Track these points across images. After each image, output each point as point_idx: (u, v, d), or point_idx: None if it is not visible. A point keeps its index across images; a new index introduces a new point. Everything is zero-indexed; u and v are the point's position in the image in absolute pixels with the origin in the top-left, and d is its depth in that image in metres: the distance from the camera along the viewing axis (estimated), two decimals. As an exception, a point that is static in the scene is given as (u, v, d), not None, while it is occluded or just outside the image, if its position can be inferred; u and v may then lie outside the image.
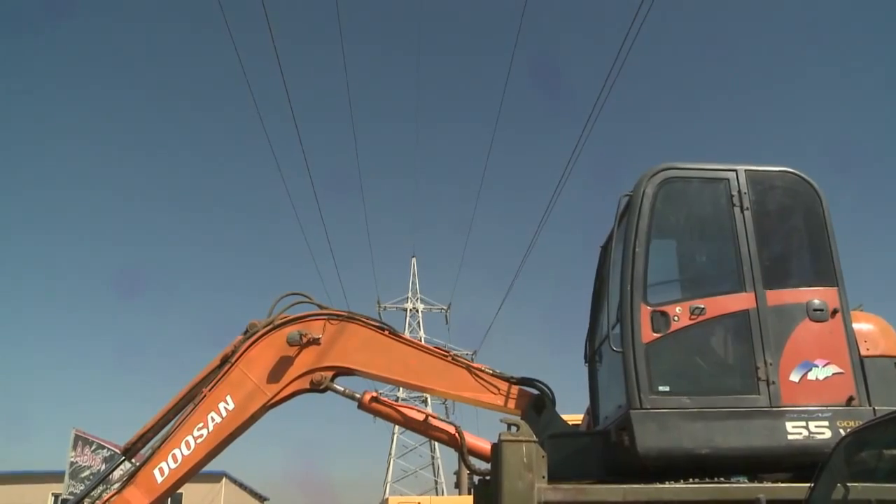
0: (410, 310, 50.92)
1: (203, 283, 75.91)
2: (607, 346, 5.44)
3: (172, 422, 5.70)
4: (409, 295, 51.72)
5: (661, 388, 4.95)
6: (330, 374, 5.81)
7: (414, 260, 53.47)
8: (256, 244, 75.40)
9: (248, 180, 75.60)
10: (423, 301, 51.80)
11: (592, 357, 6.21)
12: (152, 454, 5.50)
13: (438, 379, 5.80)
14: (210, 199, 73.50)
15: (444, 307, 50.43)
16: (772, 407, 4.95)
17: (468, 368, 5.85)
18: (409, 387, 6.09)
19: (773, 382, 4.98)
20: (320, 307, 6.10)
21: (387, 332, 5.93)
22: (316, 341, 5.84)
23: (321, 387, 5.78)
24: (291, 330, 5.82)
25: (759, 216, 5.41)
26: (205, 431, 5.52)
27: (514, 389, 5.87)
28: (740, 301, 5.14)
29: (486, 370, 5.91)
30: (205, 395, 5.65)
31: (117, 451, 6.55)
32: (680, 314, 5.07)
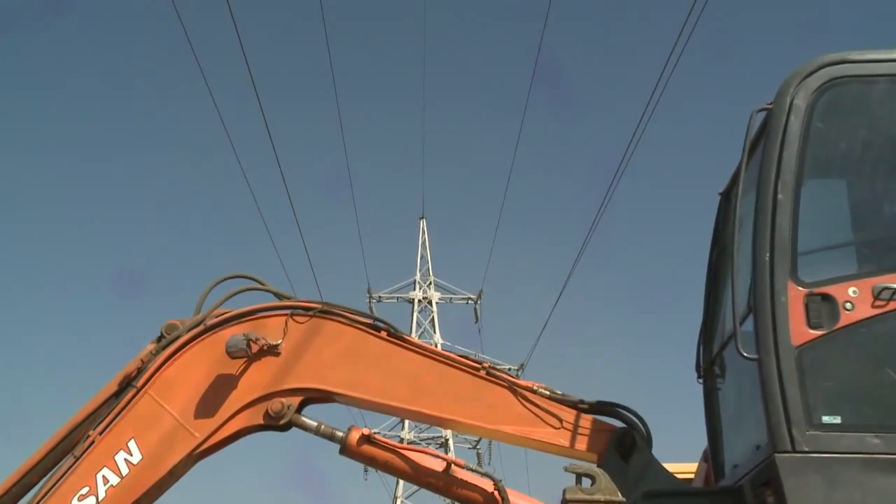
0: (419, 301, 42.83)
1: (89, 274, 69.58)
2: (733, 350, 4.87)
3: (38, 486, 5.19)
4: (417, 278, 43.23)
5: (825, 419, 4.46)
6: (295, 400, 5.34)
7: (423, 223, 44.89)
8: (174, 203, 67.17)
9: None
10: (438, 287, 43.33)
11: (710, 369, 5.71)
12: (0, 544, 5.23)
13: (466, 405, 5.38)
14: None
15: (472, 296, 42.85)
16: None
17: (512, 388, 5.38)
18: (419, 418, 5.68)
19: None
20: (279, 296, 5.61)
21: (384, 334, 5.47)
22: (273, 350, 5.35)
23: (282, 421, 5.29)
24: (233, 333, 5.32)
25: None
26: (93, 500, 5.03)
27: (586, 420, 5.39)
28: None
29: (541, 390, 5.41)
30: (93, 442, 5.14)
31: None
32: (856, 299, 4.55)
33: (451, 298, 43.95)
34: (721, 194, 5.80)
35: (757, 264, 4.68)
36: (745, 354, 4.60)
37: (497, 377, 5.48)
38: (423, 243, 45.01)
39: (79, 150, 66.25)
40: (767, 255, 4.64)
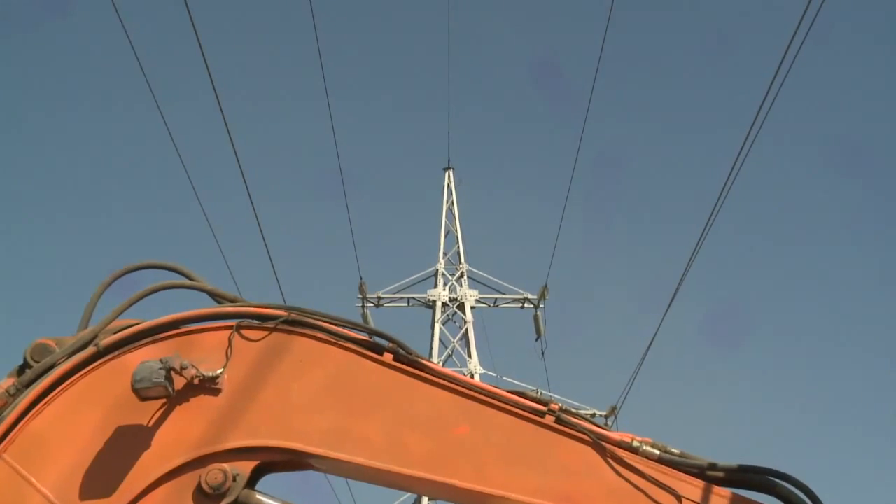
0: (445, 305, 32.67)
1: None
2: None
3: None
4: (440, 268, 33.13)
5: None
6: (246, 466, 4.69)
7: (449, 176, 34.96)
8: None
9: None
10: (474, 282, 33.04)
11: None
12: None
13: (524, 471, 4.72)
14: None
15: (530, 296, 32.75)
16: None
17: (599, 444, 4.68)
18: (446, 494, 4.94)
19: None
20: (217, 297, 4.99)
21: (389, 357, 4.88)
22: (209, 384, 4.71)
23: (224, 500, 4.59)
24: (145, 358, 4.65)
25: None
26: None
27: (722, 497, 4.69)
28: None
29: (646, 448, 4.70)
30: None
31: None
32: None
33: (495, 300, 33.26)
34: None
35: None
36: None
37: (574, 426, 4.75)
38: (451, 209, 34.29)
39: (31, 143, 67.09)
40: None
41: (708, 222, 14.39)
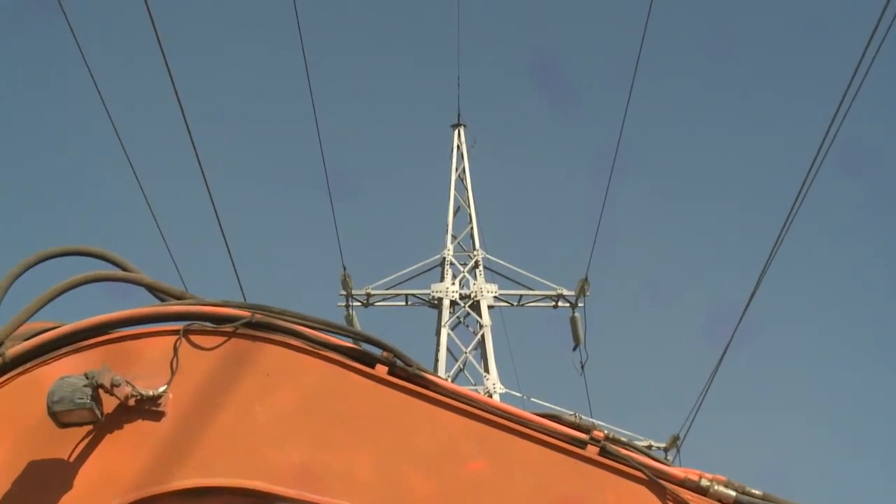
0: (454, 303, 28.42)
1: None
2: None
3: None
4: (449, 255, 28.73)
5: None
6: None
7: (459, 135, 30.62)
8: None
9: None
10: (492, 273, 28.68)
11: None
12: None
13: None
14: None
15: (566, 292, 28.17)
16: None
17: (656, 483, 4.37)
18: None
19: None
20: (157, 293, 4.70)
21: (382, 370, 4.58)
22: (148, 407, 4.37)
23: None
24: (66, 373, 4.30)
25: None
26: None
27: None
28: None
29: (719, 489, 4.36)
30: None
31: None
32: None
33: (520, 298, 28.69)
34: None
35: None
36: None
37: (625, 460, 4.36)
38: (461, 179, 29.67)
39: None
40: None
41: (780, 235, 13.82)
